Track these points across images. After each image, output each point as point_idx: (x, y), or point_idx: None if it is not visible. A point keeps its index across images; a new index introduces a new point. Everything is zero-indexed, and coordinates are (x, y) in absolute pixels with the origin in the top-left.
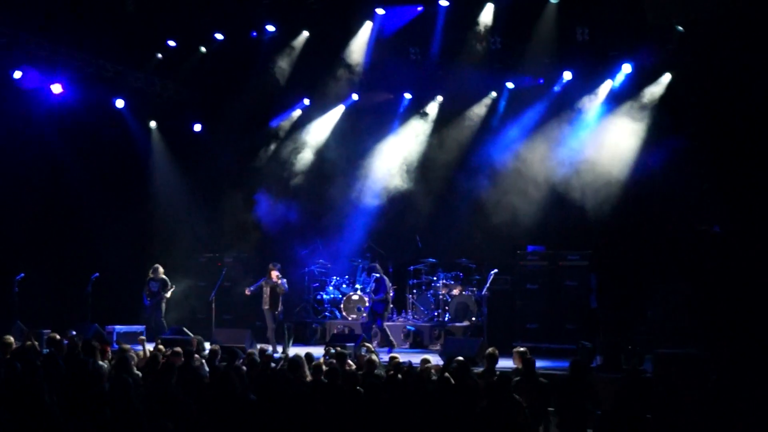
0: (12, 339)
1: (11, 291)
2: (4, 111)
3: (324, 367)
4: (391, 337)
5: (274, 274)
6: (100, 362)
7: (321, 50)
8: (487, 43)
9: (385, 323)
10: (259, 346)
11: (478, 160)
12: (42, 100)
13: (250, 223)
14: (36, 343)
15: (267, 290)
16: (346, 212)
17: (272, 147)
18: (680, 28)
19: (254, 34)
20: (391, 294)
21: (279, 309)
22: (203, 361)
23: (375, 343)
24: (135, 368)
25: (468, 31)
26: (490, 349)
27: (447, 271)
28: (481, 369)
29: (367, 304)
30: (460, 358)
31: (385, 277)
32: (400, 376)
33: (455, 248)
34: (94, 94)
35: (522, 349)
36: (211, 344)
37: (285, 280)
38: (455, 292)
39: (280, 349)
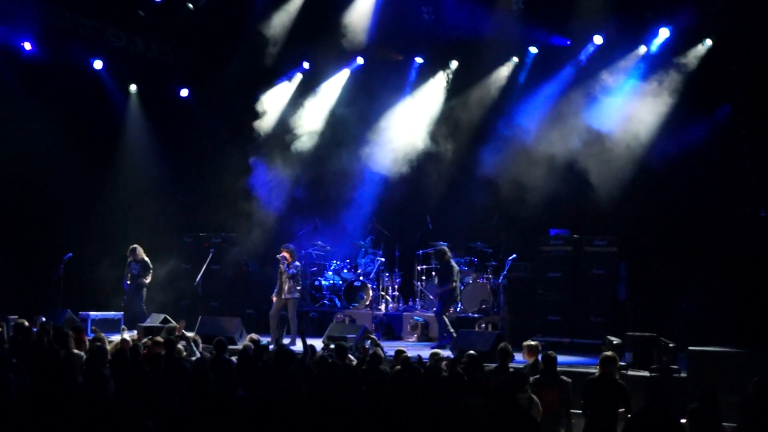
0: None
1: None
2: None
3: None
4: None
5: (284, 254)
6: (76, 352)
7: (322, 8)
8: (509, 4)
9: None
10: (248, 336)
11: (496, 133)
12: (10, 58)
13: (241, 200)
14: (2, 329)
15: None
16: (348, 189)
17: (267, 115)
18: None
19: None
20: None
21: (287, 296)
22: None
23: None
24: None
25: None
26: (502, 344)
27: (460, 257)
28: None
29: (371, 293)
30: (472, 352)
31: (452, 263)
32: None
33: (469, 231)
34: (69, 54)
35: (533, 342)
36: (195, 333)
37: (292, 263)
38: (469, 279)
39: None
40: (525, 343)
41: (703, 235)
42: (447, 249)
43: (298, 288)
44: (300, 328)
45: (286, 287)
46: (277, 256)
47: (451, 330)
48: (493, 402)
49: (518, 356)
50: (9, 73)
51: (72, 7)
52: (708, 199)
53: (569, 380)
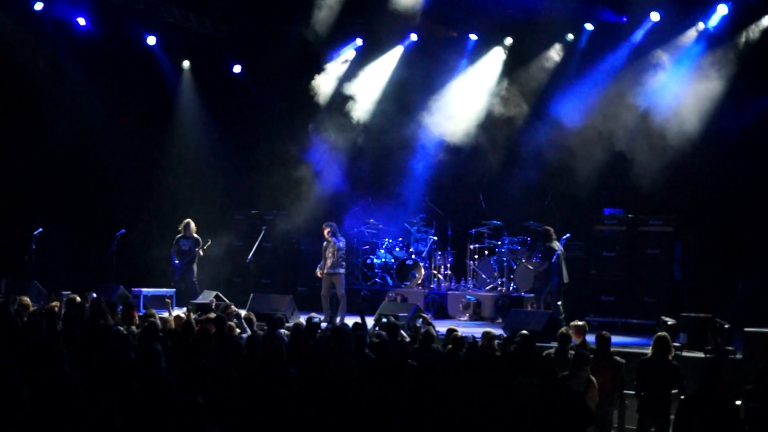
0: (29, 300)
1: (28, 248)
2: (24, 44)
3: (374, 339)
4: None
5: (325, 232)
6: (126, 328)
7: None
8: None
9: (453, 293)
10: (304, 315)
11: (551, 111)
12: (65, 34)
13: (293, 177)
14: (56, 305)
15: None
16: (401, 166)
17: (320, 92)
18: None
19: None
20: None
21: (331, 271)
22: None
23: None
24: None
25: None
26: (563, 329)
27: (513, 236)
28: (552, 347)
29: (423, 271)
30: (525, 332)
31: (552, 245)
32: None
33: (522, 209)
34: (122, 29)
35: (581, 323)
36: (247, 311)
37: (339, 238)
38: (522, 258)
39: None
40: (572, 324)
41: (759, 215)
42: (551, 230)
43: (342, 264)
44: (360, 306)
45: (329, 263)
46: (325, 230)
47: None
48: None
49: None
50: (64, 49)
51: None
52: (765, 178)
53: (623, 361)
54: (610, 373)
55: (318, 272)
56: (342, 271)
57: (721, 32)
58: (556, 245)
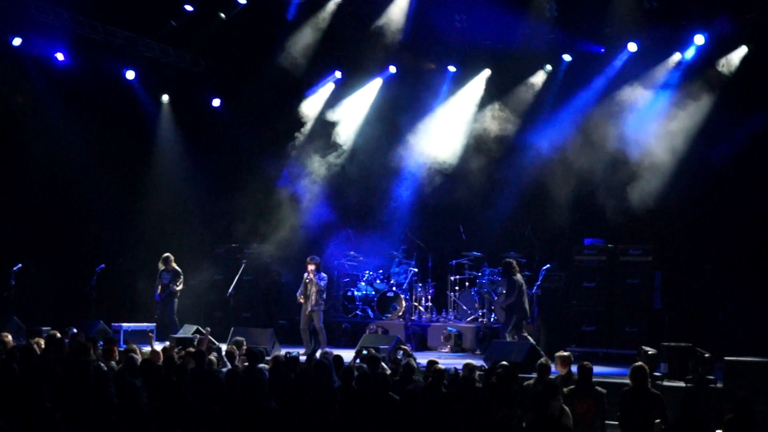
0: (9, 337)
1: (7, 283)
2: (3, 81)
3: (354, 372)
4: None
5: (309, 268)
6: (105, 363)
7: (354, 17)
8: (542, 11)
9: (434, 324)
10: (285, 348)
11: (529, 142)
12: (44, 69)
13: (273, 210)
14: (35, 341)
15: (308, 287)
16: (380, 199)
17: (298, 125)
18: None
19: None
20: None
21: (313, 308)
22: (221, 362)
23: None
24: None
25: None
26: (542, 360)
27: (493, 266)
28: (531, 378)
29: (404, 303)
30: (506, 363)
31: (516, 278)
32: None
33: (503, 240)
34: (101, 64)
35: (566, 353)
36: (228, 344)
37: (321, 276)
38: (502, 289)
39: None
40: (557, 354)
41: (739, 244)
42: (513, 262)
43: (323, 300)
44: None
45: (313, 299)
46: (309, 266)
47: None
48: (526, 413)
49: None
50: (42, 84)
51: (104, 18)
52: (743, 207)
53: (604, 391)
54: (591, 402)
55: (300, 298)
56: (321, 307)
57: (698, 62)
58: (520, 278)
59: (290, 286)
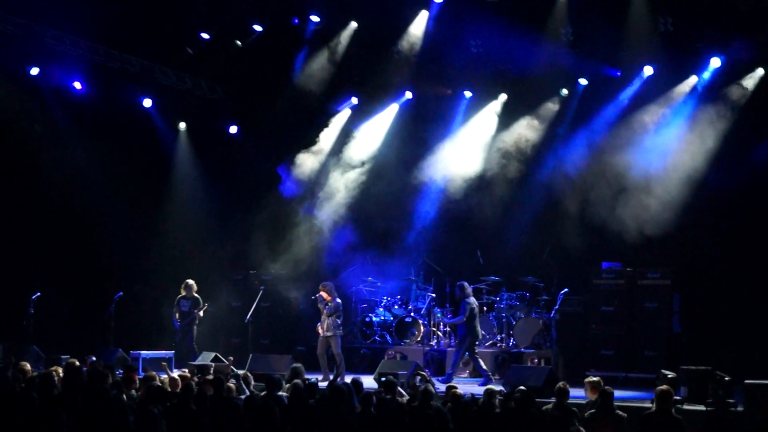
0: (28, 366)
1: (26, 312)
2: (21, 110)
3: (374, 398)
4: (456, 368)
5: (323, 293)
6: (125, 392)
7: (370, 43)
8: (558, 36)
9: (452, 350)
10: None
11: (547, 166)
12: (61, 98)
13: (291, 236)
14: (54, 370)
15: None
16: (398, 223)
17: (316, 151)
18: None
19: (296, 21)
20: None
21: (327, 333)
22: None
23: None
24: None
25: (536, 22)
26: (560, 384)
27: (511, 291)
28: (550, 403)
29: (422, 328)
30: (524, 388)
31: (468, 300)
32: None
33: (521, 265)
34: (118, 93)
35: (595, 378)
36: (246, 371)
37: (332, 301)
38: (521, 314)
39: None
40: (587, 380)
41: (759, 267)
42: (466, 286)
43: (339, 324)
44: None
45: (325, 325)
46: (313, 296)
47: (455, 371)
48: None
49: (578, 392)
50: (60, 113)
51: (121, 47)
52: (762, 230)
53: (625, 415)
54: (611, 428)
55: (319, 329)
56: (338, 332)
57: (715, 85)
58: (472, 301)
59: (308, 312)
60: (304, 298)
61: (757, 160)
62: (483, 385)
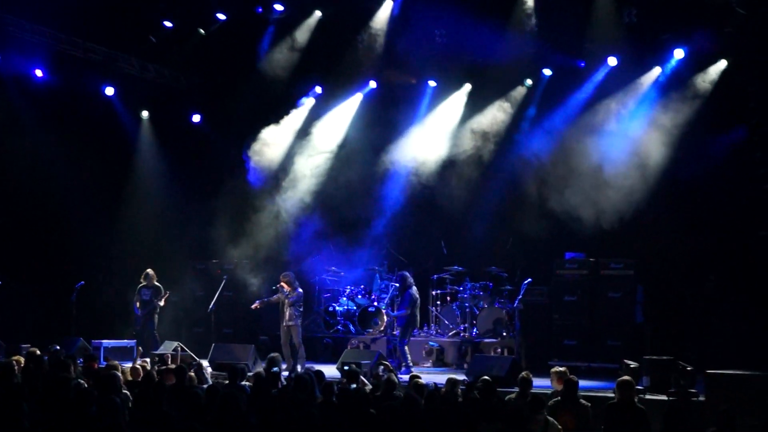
0: None
1: None
2: None
3: (335, 387)
4: (409, 359)
5: (283, 283)
6: (85, 381)
7: (335, 32)
8: (522, 26)
9: (415, 339)
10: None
11: (511, 157)
12: (23, 86)
13: (255, 225)
14: (15, 359)
15: (281, 304)
16: (361, 214)
17: (279, 140)
18: (741, 10)
19: (260, 9)
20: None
21: (288, 323)
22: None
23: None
24: (123, 387)
25: (501, 12)
26: (523, 374)
27: (475, 281)
28: (513, 392)
29: (386, 318)
30: (487, 377)
31: (411, 291)
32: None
33: (484, 255)
34: (80, 81)
35: (561, 368)
36: (209, 361)
37: (292, 291)
38: (484, 304)
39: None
40: (553, 370)
41: (720, 258)
42: (408, 277)
43: (300, 314)
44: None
45: (287, 314)
46: (274, 287)
47: (410, 362)
48: (507, 427)
49: (543, 382)
50: (21, 101)
51: (83, 35)
52: (725, 221)
53: (588, 404)
54: (574, 417)
55: (255, 304)
56: (298, 321)
57: (678, 76)
58: (414, 292)
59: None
60: (267, 288)
61: (718, 151)
62: (405, 374)
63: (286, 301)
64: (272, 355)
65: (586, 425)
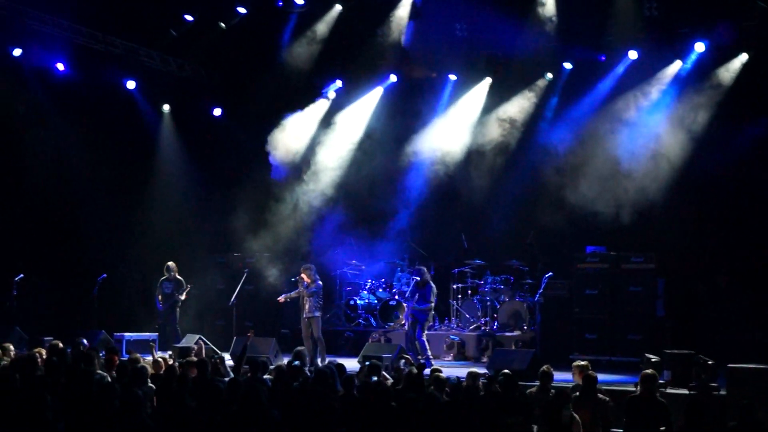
0: (11, 347)
1: (9, 294)
2: (3, 91)
3: (356, 381)
4: (429, 352)
5: (302, 276)
6: (108, 373)
7: (355, 26)
8: (543, 20)
9: (436, 333)
10: (288, 357)
11: (531, 151)
12: (44, 79)
13: (275, 218)
14: (38, 351)
15: (301, 297)
16: (382, 207)
17: (300, 133)
18: (762, 3)
19: (280, 3)
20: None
21: (308, 315)
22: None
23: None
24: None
25: (522, 6)
26: (544, 367)
27: (496, 275)
28: (534, 386)
29: (405, 311)
30: (508, 371)
31: (432, 284)
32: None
33: (505, 249)
34: (101, 74)
35: (583, 362)
36: (230, 354)
37: (312, 283)
38: (505, 297)
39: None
40: (575, 364)
41: (742, 251)
42: (426, 271)
43: (319, 306)
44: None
45: (306, 307)
46: (294, 279)
47: (430, 354)
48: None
49: (564, 375)
50: (43, 94)
51: (104, 28)
52: (746, 214)
53: (607, 399)
54: (590, 412)
55: (281, 298)
56: (318, 314)
57: (699, 70)
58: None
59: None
60: (287, 281)
61: (740, 144)
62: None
63: (305, 292)
64: (298, 348)
65: (605, 420)
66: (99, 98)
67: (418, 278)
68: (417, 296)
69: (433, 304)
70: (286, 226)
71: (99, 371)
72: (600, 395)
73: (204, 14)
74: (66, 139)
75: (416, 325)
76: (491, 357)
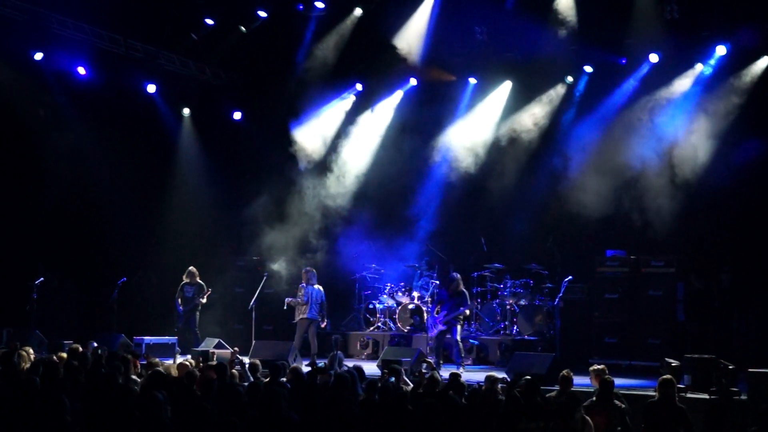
0: (31, 350)
1: (29, 297)
2: (25, 95)
3: (378, 384)
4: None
5: (304, 278)
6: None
7: (375, 29)
8: (563, 22)
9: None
10: (307, 361)
11: (551, 154)
12: (65, 83)
13: (294, 221)
14: (58, 355)
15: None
16: (402, 211)
17: (320, 137)
18: None
19: (300, 7)
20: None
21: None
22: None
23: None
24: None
25: (542, 8)
26: (564, 372)
27: (515, 278)
28: (554, 390)
29: (426, 315)
30: (528, 376)
31: (465, 291)
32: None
33: (525, 252)
34: (122, 78)
35: (600, 366)
36: (250, 358)
37: (309, 287)
38: (524, 301)
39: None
40: (592, 368)
41: (762, 255)
42: (460, 279)
43: (316, 308)
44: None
45: (303, 307)
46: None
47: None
48: (548, 425)
49: (583, 379)
50: (64, 98)
51: (125, 32)
52: (766, 218)
53: (623, 405)
54: (605, 417)
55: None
56: (314, 316)
57: (720, 73)
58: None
59: None
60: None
61: (762, 148)
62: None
63: (299, 293)
64: (333, 353)
65: (623, 425)
66: (120, 102)
67: (450, 283)
68: (452, 304)
69: (464, 311)
70: (305, 230)
71: (124, 375)
72: (616, 401)
73: (224, 18)
74: (86, 143)
75: (452, 330)
76: (511, 361)
